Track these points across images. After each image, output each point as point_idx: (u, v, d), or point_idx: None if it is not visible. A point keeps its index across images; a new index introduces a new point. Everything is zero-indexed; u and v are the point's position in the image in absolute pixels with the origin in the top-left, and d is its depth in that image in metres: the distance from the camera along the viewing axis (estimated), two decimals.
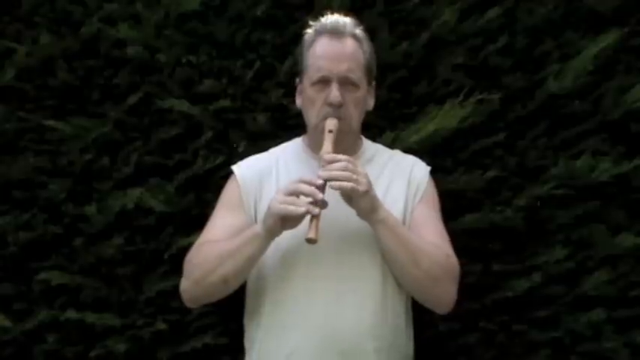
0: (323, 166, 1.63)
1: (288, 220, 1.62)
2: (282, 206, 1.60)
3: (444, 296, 1.75)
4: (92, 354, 2.10)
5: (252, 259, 1.68)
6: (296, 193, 1.61)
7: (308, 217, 1.59)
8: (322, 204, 1.59)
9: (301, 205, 1.58)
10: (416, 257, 1.67)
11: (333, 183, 1.60)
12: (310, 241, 1.56)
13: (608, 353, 2.12)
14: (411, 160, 1.88)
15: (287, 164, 1.83)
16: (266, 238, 1.65)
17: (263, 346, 1.75)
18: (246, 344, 1.82)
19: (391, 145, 1.98)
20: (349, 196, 1.63)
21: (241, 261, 1.67)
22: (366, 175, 1.64)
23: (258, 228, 1.66)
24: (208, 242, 1.75)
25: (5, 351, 2.12)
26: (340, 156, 1.65)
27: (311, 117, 1.77)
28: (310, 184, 1.60)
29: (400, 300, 1.76)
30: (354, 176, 1.61)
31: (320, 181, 1.60)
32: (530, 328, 2.12)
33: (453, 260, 1.74)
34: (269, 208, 1.63)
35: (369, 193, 1.63)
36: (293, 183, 1.63)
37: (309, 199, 1.59)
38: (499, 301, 2.12)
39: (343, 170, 1.62)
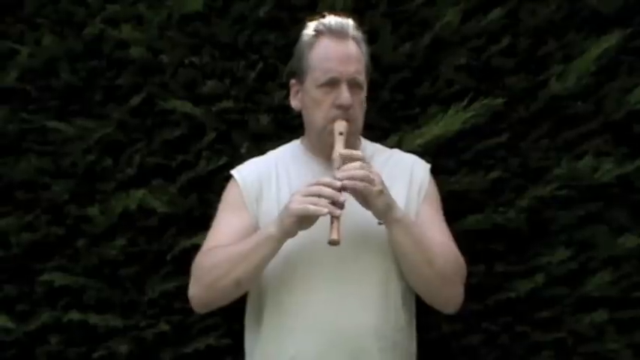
0: (338, 168, 1.62)
1: (304, 221, 1.61)
2: (303, 206, 1.58)
3: (453, 296, 1.74)
4: (95, 355, 2.10)
5: (265, 261, 1.67)
6: (316, 195, 1.59)
7: (321, 219, 1.59)
8: (341, 205, 1.59)
9: (323, 205, 1.57)
10: (429, 257, 1.67)
11: (348, 183, 1.59)
12: (333, 242, 1.56)
13: (610, 354, 2.13)
14: (411, 158, 1.87)
15: (286, 167, 1.82)
16: (280, 239, 1.63)
17: (265, 349, 1.75)
18: (248, 346, 1.82)
19: (395, 148, 1.98)
20: (365, 197, 1.63)
21: (254, 263, 1.66)
22: (379, 175, 1.64)
23: (271, 229, 1.64)
24: (217, 246, 1.73)
25: (8, 352, 2.12)
26: (356, 152, 1.65)
27: (317, 119, 1.75)
28: (329, 186, 1.59)
29: (403, 299, 1.75)
30: (370, 175, 1.61)
31: (339, 184, 1.59)
32: (532, 329, 2.13)
33: (461, 260, 1.74)
34: (287, 208, 1.61)
35: (383, 192, 1.62)
36: (312, 185, 1.61)
37: (329, 200, 1.59)
38: (502, 302, 2.12)
39: (359, 170, 1.61)
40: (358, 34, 1.77)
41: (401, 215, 1.66)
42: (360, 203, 1.64)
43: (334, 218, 1.57)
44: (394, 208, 1.65)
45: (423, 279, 1.70)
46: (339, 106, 1.70)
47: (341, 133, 1.69)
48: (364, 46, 1.77)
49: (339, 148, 1.67)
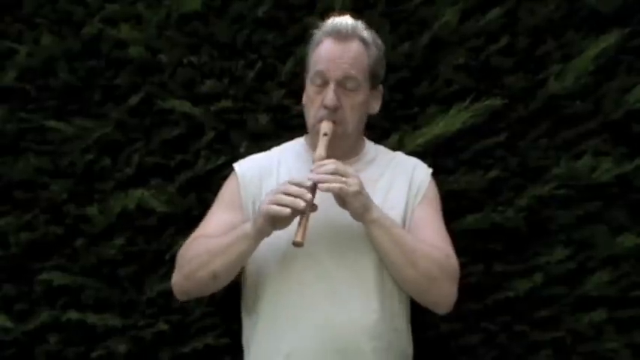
0: (312, 170, 1.64)
1: (277, 221, 1.62)
2: (269, 206, 1.60)
3: (442, 297, 1.74)
4: (94, 354, 2.10)
5: (242, 257, 1.69)
6: (284, 194, 1.61)
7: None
8: (312, 207, 1.60)
9: (287, 203, 1.58)
10: (412, 258, 1.67)
11: (321, 185, 1.61)
12: (296, 244, 1.57)
13: (609, 354, 2.13)
14: (413, 161, 1.88)
15: (288, 164, 1.83)
16: (255, 238, 1.65)
17: (261, 346, 1.75)
18: (245, 344, 1.83)
19: (396, 147, 1.99)
20: (342, 198, 1.64)
21: (231, 258, 1.68)
22: (356, 177, 1.65)
23: (248, 227, 1.66)
24: (201, 237, 1.76)
25: (6, 352, 2.12)
26: (328, 160, 1.66)
27: (309, 117, 1.78)
28: (299, 185, 1.61)
29: (399, 300, 1.76)
30: (343, 178, 1.62)
31: (309, 183, 1.61)
32: (531, 329, 2.12)
33: (452, 261, 1.73)
34: (259, 208, 1.64)
35: (360, 193, 1.63)
36: (282, 184, 1.63)
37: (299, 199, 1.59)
38: (500, 302, 2.12)
39: (332, 173, 1.62)
40: (367, 35, 1.77)
41: (377, 216, 1.66)
42: (338, 204, 1.65)
43: (302, 219, 1.58)
44: (371, 209, 1.65)
45: (407, 279, 1.70)
46: (325, 107, 1.71)
47: (325, 134, 1.70)
48: (374, 48, 1.77)
49: (320, 150, 1.69)
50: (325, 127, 1.71)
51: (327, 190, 1.61)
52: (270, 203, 1.60)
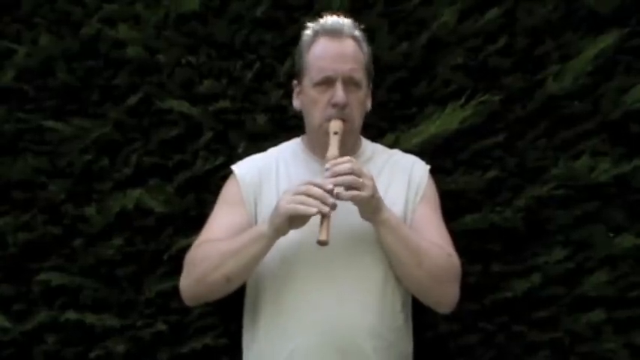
0: (328, 169, 1.63)
1: (295, 220, 1.61)
2: (292, 206, 1.59)
3: (446, 296, 1.75)
4: (92, 355, 2.10)
5: (257, 259, 1.68)
6: (305, 194, 1.60)
7: (312, 219, 1.60)
8: (332, 206, 1.59)
9: (312, 204, 1.58)
10: (418, 257, 1.67)
11: (339, 191, 1.60)
12: (322, 243, 1.56)
13: (607, 354, 2.12)
14: (411, 159, 1.88)
15: (286, 165, 1.83)
16: (272, 237, 1.65)
17: (263, 346, 1.75)
18: (246, 344, 1.83)
19: (392, 147, 1.98)
20: (355, 201, 1.63)
21: (245, 260, 1.67)
22: (371, 178, 1.64)
23: (263, 227, 1.65)
24: (209, 241, 1.75)
25: (4, 352, 2.12)
26: (345, 159, 1.64)
27: (313, 118, 1.76)
28: (320, 187, 1.59)
29: (400, 300, 1.76)
30: (360, 180, 1.61)
31: (330, 186, 1.60)
32: (529, 329, 2.12)
33: (454, 260, 1.74)
34: (277, 207, 1.62)
35: (373, 196, 1.63)
36: (303, 185, 1.62)
37: (319, 200, 1.59)
38: (499, 302, 2.12)
39: (349, 174, 1.61)
40: (358, 33, 1.77)
41: (387, 216, 1.66)
42: (352, 202, 1.64)
43: (324, 218, 1.57)
44: (382, 210, 1.66)
45: (413, 279, 1.71)
46: (334, 105, 1.71)
47: (335, 133, 1.70)
48: (365, 46, 1.78)
49: (333, 149, 1.68)
50: (335, 125, 1.71)
51: (346, 198, 1.60)
52: (291, 203, 1.59)
